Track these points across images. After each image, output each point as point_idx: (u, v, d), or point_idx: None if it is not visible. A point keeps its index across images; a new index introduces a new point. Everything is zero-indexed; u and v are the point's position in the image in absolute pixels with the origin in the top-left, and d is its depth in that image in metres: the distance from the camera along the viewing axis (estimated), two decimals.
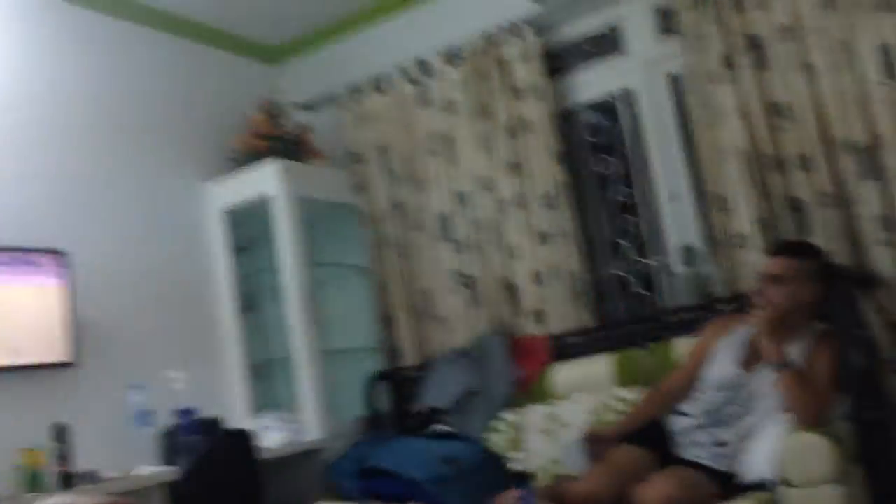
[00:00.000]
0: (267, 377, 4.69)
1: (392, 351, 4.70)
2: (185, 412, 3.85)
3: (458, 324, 4.51)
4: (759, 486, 2.80)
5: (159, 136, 4.54)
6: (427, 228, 4.66)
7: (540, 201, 4.34)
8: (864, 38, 3.53)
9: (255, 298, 4.79)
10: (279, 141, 4.66)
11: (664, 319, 3.88)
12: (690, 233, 4.19)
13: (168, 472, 3.64)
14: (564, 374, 3.99)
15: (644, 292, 4.35)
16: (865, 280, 3.39)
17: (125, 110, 4.40)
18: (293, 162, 4.63)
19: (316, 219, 4.72)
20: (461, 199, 4.55)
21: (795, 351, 2.98)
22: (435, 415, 4.11)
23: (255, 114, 4.75)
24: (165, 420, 3.88)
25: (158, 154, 4.53)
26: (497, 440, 3.93)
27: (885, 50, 3.50)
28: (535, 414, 3.90)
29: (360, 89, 4.86)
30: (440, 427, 4.04)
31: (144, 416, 3.82)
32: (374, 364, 4.67)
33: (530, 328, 4.32)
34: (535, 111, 4.35)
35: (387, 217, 4.78)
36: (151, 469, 3.70)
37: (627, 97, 4.41)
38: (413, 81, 4.69)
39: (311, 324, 4.46)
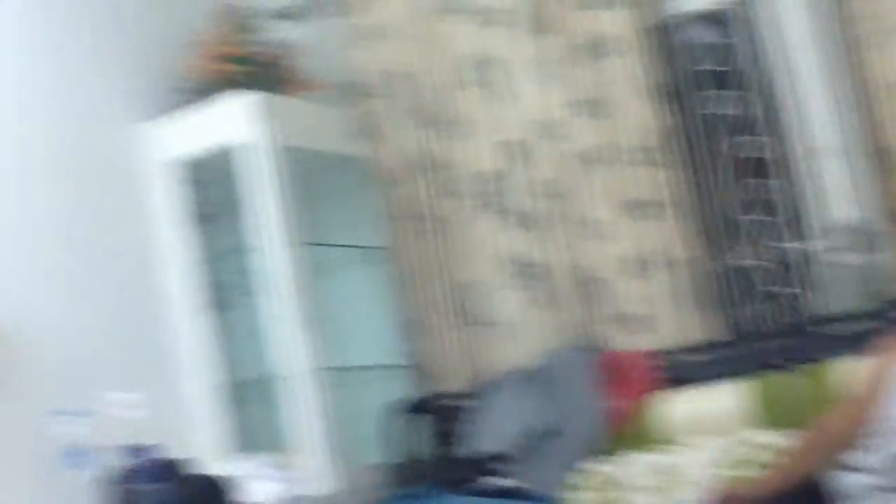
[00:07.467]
0: (247, 403, 3.86)
1: (424, 370, 3.90)
2: (135, 450, 3.20)
3: (520, 332, 3.67)
4: None
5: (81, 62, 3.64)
6: (467, 193, 3.78)
7: (632, 156, 3.48)
8: None
9: (226, 291, 3.93)
10: (248, 64, 3.67)
11: (820, 331, 3.23)
12: (856, 204, 3.36)
13: None
14: (678, 407, 3.29)
15: (785, 290, 3.55)
16: None
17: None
18: (271, 96, 3.64)
19: (308, 177, 3.80)
20: (515, 151, 3.68)
21: None
22: (491, 462, 3.50)
23: (210, 27, 3.73)
24: (106, 460, 3.19)
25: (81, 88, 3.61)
26: (581, 500, 3.25)
27: None
28: (635, 465, 3.22)
29: None
30: (499, 480, 3.44)
31: (76, 455, 3.18)
32: (402, 388, 3.91)
33: (624, 340, 3.51)
34: (619, 24, 3.47)
35: (410, 176, 3.89)
36: None
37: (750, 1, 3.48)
38: None
39: (309, 329, 3.61)
